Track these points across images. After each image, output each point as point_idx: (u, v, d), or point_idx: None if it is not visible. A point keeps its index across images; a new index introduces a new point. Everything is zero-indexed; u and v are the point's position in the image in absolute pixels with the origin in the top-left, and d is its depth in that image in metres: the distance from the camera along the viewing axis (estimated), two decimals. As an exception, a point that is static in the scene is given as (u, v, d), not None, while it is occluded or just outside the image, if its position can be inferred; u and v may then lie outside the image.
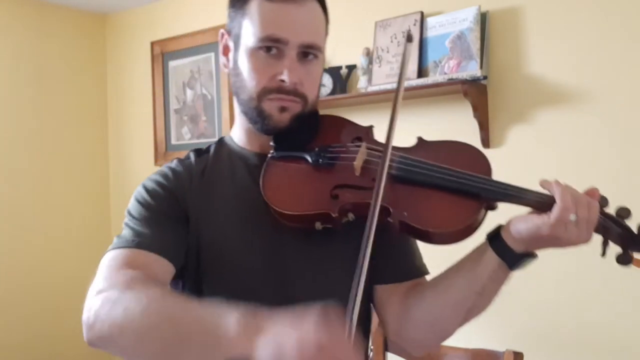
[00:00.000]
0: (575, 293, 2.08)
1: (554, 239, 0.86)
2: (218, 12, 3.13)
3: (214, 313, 0.76)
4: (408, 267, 1.08)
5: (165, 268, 0.95)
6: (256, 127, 1.03)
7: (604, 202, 0.90)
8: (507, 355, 1.43)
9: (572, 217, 0.83)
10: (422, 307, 1.01)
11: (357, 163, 0.96)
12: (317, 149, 1.00)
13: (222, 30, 1.07)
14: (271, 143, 1.03)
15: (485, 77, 2.22)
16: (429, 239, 0.94)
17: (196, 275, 1.02)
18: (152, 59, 3.41)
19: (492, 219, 0.94)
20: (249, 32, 0.99)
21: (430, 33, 2.35)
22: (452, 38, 2.27)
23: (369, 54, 2.50)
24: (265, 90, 0.99)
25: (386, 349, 1.66)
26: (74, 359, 3.40)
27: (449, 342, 1.61)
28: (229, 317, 0.74)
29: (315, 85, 1.04)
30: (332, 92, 2.58)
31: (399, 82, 1.00)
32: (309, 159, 1.00)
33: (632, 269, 0.94)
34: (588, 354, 2.08)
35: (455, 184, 0.91)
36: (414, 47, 2.35)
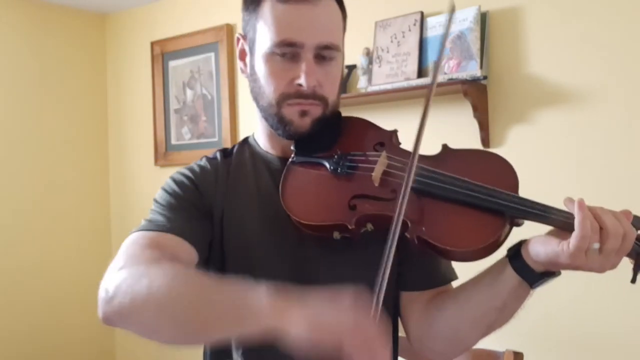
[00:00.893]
0: (575, 293, 2.08)
1: (575, 267, 0.81)
2: (218, 12, 3.13)
3: (245, 286, 0.76)
4: (432, 275, 1.05)
5: (189, 253, 0.94)
6: (278, 133, 1.02)
7: (637, 222, 0.83)
8: (507, 355, 1.43)
9: (595, 245, 0.78)
10: (442, 320, 0.99)
11: (376, 175, 0.94)
12: (336, 157, 0.98)
13: (237, 34, 1.06)
14: (292, 147, 1.02)
15: (485, 77, 2.21)
16: (447, 256, 0.91)
17: (220, 269, 1.01)
18: (152, 59, 3.41)
19: (517, 233, 0.91)
20: (263, 37, 0.97)
21: (430, 33, 2.34)
22: (452, 38, 2.27)
23: (369, 54, 2.50)
24: (284, 96, 0.97)
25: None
26: (75, 357, 3.40)
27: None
28: (260, 291, 0.73)
29: (335, 86, 1.02)
30: (332, 92, 2.58)
31: (433, 81, 0.97)
32: (328, 166, 0.98)
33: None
34: (588, 354, 2.08)
35: (479, 201, 0.87)
36: (414, 47, 2.35)
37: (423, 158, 0.95)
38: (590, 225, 0.78)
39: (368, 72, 2.49)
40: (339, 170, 0.97)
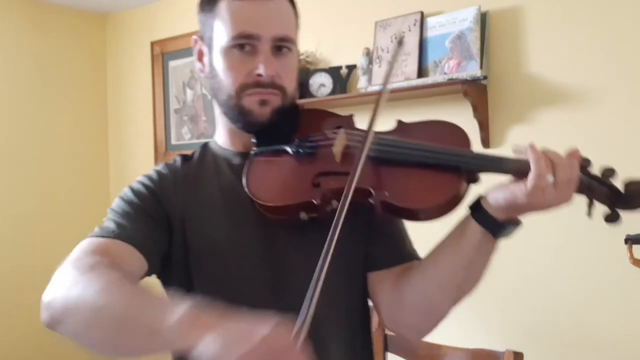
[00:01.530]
0: (575, 293, 2.08)
1: (534, 205, 0.84)
2: (218, 12, 3.13)
3: (164, 304, 0.76)
4: (398, 253, 1.07)
5: (137, 261, 0.94)
6: (238, 126, 1.04)
7: (586, 162, 0.90)
8: (507, 355, 1.43)
9: (550, 178, 0.82)
10: (413, 291, 1.00)
11: (337, 149, 0.97)
12: (296, 140, 1.01)
13: (194, 37, 1.09)
14: (253, 140, 1.04)
15: (485, 77, 2.21)
16: (413, 216, 0.93)
17: (187, 278, 1.01)
18: (152, 59, 3.41)
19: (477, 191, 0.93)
20: (221, 33, 1.00)
21: (430, 33, 2.35)
22: (452, 38, 2.27)
23: (369, 54, 2.50)
24: (243, 87, 1.00)
25: (386, 349, 1.66)
26: (73, 357, 3.40)
27: (449, 342, 1.62)
28: (176, 309, 0.72)
29: (293, 77, 1.05)
30: (332, 92, 2.58)
31: (388, 74, 1.00)
32: (290, 150, 1.01)
33: (632, 268, 0.94)
34: (588, 354, 2.08)
35: (433, 160, 0.91)
36: (414, 47, 2.35)
37: (379, 132, 0.99)
38: (544, 162, 0.82)
39: (368, 72, 2.49)
40: (300, 152, 1.00)
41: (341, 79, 2.59)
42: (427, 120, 1.02)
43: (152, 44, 3.41)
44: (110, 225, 0.97)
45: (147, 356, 0.77)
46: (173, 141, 3.36)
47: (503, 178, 0.89)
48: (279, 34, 1.00)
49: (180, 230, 1.02)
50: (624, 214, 0.90)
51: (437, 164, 0.91)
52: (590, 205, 0.89)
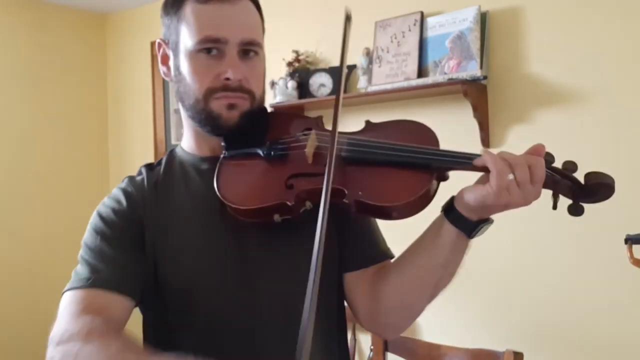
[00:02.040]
0: (575, 293, 2.08)
1: (503, 204, 0.86)
2: (218, 12, 3.13)
3: None
4: (372, 252, 1.08)
5: (123, 305, 0.95)
6: (206, 130, 1.03)
7: (550, 157, 0.93)
8: (507, 355, 1.43)
9: (510, 177, 0.84)
10: (389, 290, 1.01)
11: (309, 150, 0.97)
12: (268, 143, 1.01)
13: (158, 40, 1.07)
14: (222, 144, 1.03)
15: (485, 77, 2.21)
16: (386, 214, 0.94)
17: (157, 287, 1.00)
18: (152, 59, 3.41)
19: (449, 191, 0.96)
20: (186, 37, 0.99)
21: (430, 33, 2.35)
22: (452, 38, 2.27)
23: (369, 54, 2.50)
24: (211, 90, 0.99)
25: (386, 349, 1.66)
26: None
27: (449, 342, 1.62)
28: None
29: (260, 81, 1.05)
30: (332, 92, 2.58)
31: (342, 61, 0.97)
32: (261, 153, 1.01)
33: (632, 268, 0.94)
34: (588, 354, 2.08)
35: (403, 158, 0.93)
36: (414, 47, 2.36)
37: (348, 133, 1.01)
38: (502, 162, 0.85)
39: (368, 72, 2.49)
40: (271, 154, 1.00)
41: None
42: (394, 120, 1.04)
43: (152, 44, 3.41)
44: (87, 270, 0.97)
45: None
46: (173, 141, 3.36)
47: (474, 174, 0.92)
48: (246, 38, 0.99)
49: (152, 243, 1.00)
50: (589, 206, 0.92)
51: (406, 162, 0.93)
52: (556, 197, 0.92)
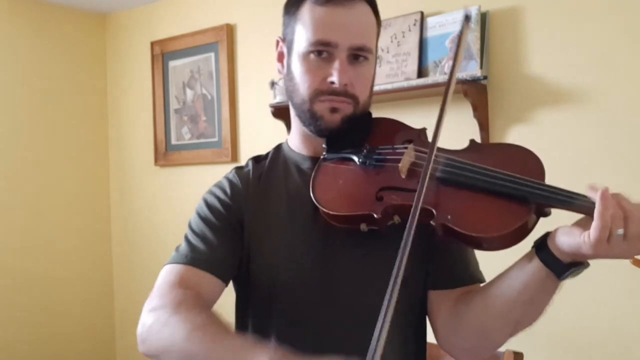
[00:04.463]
0: (575, 292, 2.08)
1: (601, 256, 0.80)
2: (218, 12, 3.13)
3: (247, 349, 0.81)
4: (461, 274, 1.06)
5: (214, 286, 1.01)
6: (309, 129, 1.06)
7: None
8: (507, 355, 1.43)
9: (619, 231, 0.76)
10: (470, 317, 1.00)
11: (403, 165, 0.96)
12: (365, 151, 1.01)
13: (277, 37, 1.11)
14: (323, 145, 1.05)
15: (485, 77, 2.21)
16: (474, 243, 0.91)
17: (246, 274, 1.06)
18: (152, 59, 3.41)
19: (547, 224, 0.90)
20: (301, 37, 1.02)
21: (430, 33, 2.35)
22: (452, 38, 2.27)
23: (369, 54, 2.50)
24: (317, 92, 1.01)
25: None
26: (70, 358, 3.39)
27: (449, 342, 1.61)
28: (259, 356, 0.78)
29: (367, 87, 1.06)
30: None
31: (451, 76, 0.98)
32: (357, 160, 1.01)
33: (632, 268, 0.93)
34: (588, 354, 2.08)
35: (502, 188, 0.88)
36: (414, 47, 2.35)
37: (449, 151, 0.98)
38: (610, 214, 0.76)
39: (368, 72, 2.49)
40: (367, 163, 1.00)
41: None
42: (502, 143, 1.01)
43: (152, 44, 3.41)
44: (187, 249, 1.04)
45: None
46: (173, 141, 3.36)
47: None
48: (356, 44, 1.00)
49: (249, 232, 1.06)
50: None
51: (503, 192, 0.87)
52: None
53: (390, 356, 0.98)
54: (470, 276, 1.07)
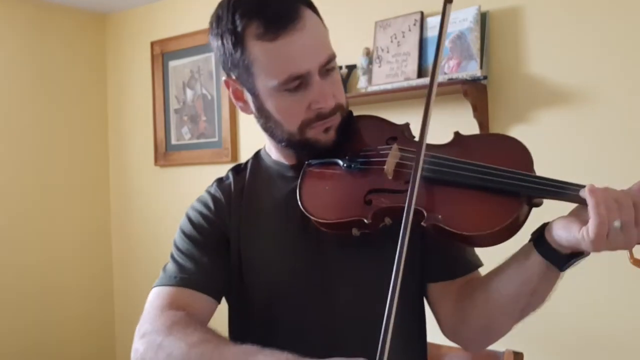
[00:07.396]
0: (575, 292, 2.08)
1: (601, 249, 0.79)
2: (218, 12, 3.13)
3: (256, 354, 0.80)
4: (459, 263, 1.05)
5: (207, 305, 1.00)
6: (303, 154, 1.02)
7: None
8: (507, 355, 1.43)
9: (617, 224, 0.75)
10: (474, 309, 0.99)
11: (388, 167, 0.94)
12: (349, 154, 0.99)
13: (224, 79, 1.05)
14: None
15: (485, 77, 2.22)
16: (467, 242, 0.90)
17: (240, 289, 1.05)
18: (152, 59, 3.40)
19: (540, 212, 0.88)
20: (264, 79, 0.96)
21: (430, 33, 2.34)
22: (452, 38, 2.27)
23: (369, 54, 2.50)
24: (305, 123, 0.98)
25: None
26: (67, 355, 3.39)
27: (449, 342, 1.61)
28: None
29: (342, 89, 1.04)
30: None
31: (433, 71, 0.94)
32: (342, 164, 0.99)
33: (632, 268, 0.93)
34: (588, 354, 2.07)
35: (491, 183, 0.86)
36: (414, 47, 2.35)
37: (434, 147, 0.95)
38: (604, 207, 0.75)
39: (368, 72, 2.49)
40: (352, 167, 0.98)
41: (341, 79, 2.59)
42: (487, 134, 0.99)
43: (152, 44, 3.41)
44: (175, 269, 1.02)
45: None
46: (173, 141, 3.36)
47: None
48: (323, 60, 0.97)
49: (237, 247, 1.05)
50: None
51: (494, 187, 0.85)
52: None
53: (393, 357, 0.99)
54: (468, 265, 1.06)
